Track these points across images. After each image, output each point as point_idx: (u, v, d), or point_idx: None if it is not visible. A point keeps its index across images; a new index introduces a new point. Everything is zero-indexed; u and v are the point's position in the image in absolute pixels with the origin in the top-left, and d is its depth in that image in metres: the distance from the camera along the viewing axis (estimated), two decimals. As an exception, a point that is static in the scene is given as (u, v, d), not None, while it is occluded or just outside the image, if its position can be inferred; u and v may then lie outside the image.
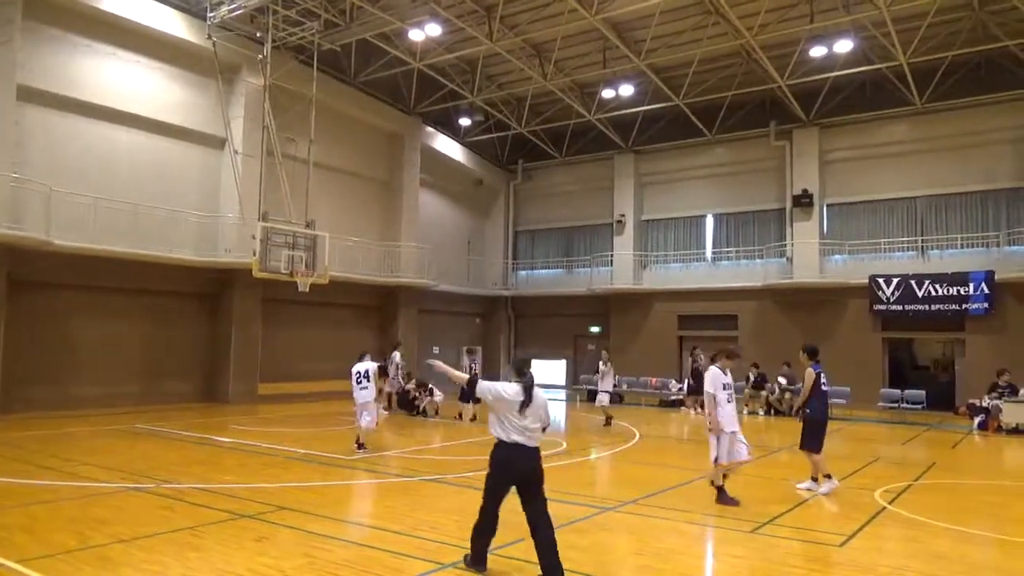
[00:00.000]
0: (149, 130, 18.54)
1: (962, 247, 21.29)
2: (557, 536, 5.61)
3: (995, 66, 20.70)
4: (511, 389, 5.81)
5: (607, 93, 23.48)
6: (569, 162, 28.74)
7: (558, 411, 21.15)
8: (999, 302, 19.99)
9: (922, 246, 21.93)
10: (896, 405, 19.26)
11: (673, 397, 22.35)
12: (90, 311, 17.43)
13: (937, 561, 6.39)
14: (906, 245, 22.18)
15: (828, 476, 9.22)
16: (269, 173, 18.76)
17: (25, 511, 7.42)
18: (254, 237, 16.92)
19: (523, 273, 30.20)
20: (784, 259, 23.61)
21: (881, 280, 21.56)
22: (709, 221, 25.90)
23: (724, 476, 8.59)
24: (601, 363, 17.07)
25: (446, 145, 27.29)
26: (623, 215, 26.77)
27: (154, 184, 18.39)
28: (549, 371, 29.34)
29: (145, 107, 18.34)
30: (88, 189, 16.70)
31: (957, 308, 20.45)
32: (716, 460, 8.51)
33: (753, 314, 23.92)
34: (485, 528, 5.76)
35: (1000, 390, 16.98)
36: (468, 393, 14.17)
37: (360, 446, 11.95)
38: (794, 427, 10.01)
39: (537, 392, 5.84)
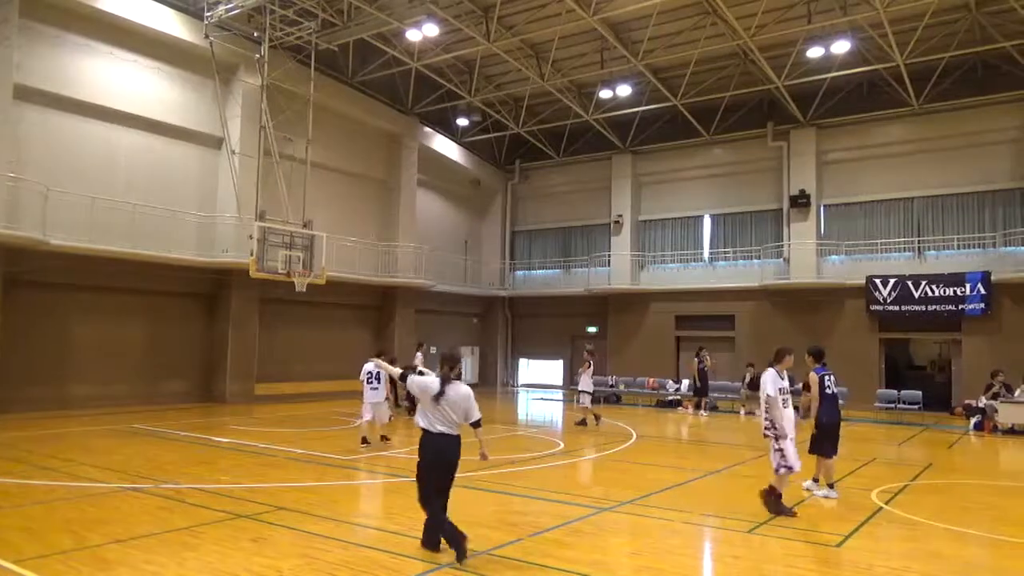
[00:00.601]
0: (146, 130, 18.50)
1: (958, 248, 21.33)
2: (555, 536, 5.84)
3: (992, 67, 20.78)
4: (433, 382, 6.14)
5: (605, 93, 23.48)
6: (566, 162, 28.75)
7: (555, 411, 21.14)
8: (995, 303, 20.04)
9: (919, 247, 21.98)
10: (893, 405, 19.27)
11: (671, 397, 22.35)
12: (87, 311, 17.39)
13: (934, 561, 6.40)
14: (903, 246, 22.22)
15: (831, 485, 9.13)
16: (266, 173, 18.77)
17: (21, 511, 7.41)
18: (251, 237, 16.93)
19: (520, 273, 30.20)
20: (781, 259, 23.64)
21: (878, 280, 21.60)
22: (706, 221, 25.92)
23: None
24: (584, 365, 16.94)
25: (443, 145, 27.28)
26: (620, 215, 26.78)
27: (151, 184, 18.35)
28: (546, 371, 29.44)
29: (142, 107, 18.30)
30: (85, 189, 16.67)
31: (953, 309, 20.50)
32: (778, 469, 7.89)
33: (750, 314, 23.95)
34: (428, 520, 6.19)
35: (995, 390, 16.99)
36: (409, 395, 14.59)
37: (364, 441, 12.28)
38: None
39: (456, 385, 6.12)
